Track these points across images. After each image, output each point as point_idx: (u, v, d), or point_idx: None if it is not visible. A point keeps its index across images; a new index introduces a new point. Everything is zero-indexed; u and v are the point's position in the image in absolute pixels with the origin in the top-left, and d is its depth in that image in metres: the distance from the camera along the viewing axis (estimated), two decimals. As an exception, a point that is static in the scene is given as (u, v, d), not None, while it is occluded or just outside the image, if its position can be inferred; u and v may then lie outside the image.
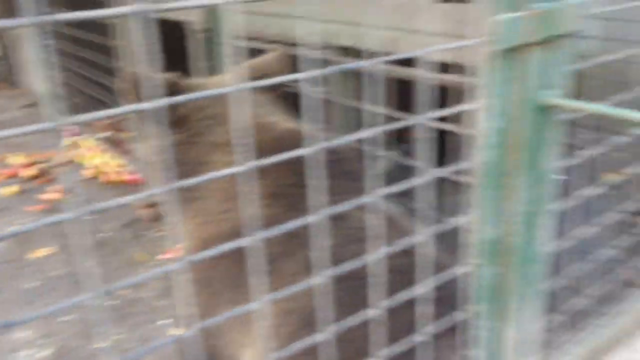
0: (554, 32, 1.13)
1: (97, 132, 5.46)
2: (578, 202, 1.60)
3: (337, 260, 1.42)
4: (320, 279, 1.01)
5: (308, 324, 1.26)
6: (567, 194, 1.58)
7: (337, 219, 1.49)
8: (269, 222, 1.49)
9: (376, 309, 1.12)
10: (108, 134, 5.39)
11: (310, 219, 0.98)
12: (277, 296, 0.92)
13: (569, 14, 1.14)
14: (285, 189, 1.47)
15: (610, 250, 1.87)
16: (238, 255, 1.56)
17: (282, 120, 1.61)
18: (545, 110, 1.22)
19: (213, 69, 2.28)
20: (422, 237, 1.16)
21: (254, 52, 2.32)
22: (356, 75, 1.81)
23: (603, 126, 1.87)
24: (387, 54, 1.07)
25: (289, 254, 1.44)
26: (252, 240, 0.95)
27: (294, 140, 1.51)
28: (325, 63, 2.16)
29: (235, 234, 1.53)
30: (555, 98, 1.20)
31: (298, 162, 1.60)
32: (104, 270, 3.52)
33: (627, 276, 2.18)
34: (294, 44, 1.92)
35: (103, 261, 3.64)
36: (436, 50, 1.02)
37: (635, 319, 1.99)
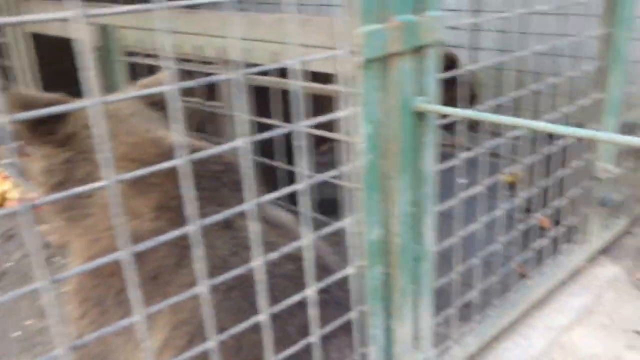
0: (418, 43, 1.21)
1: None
2: (472, 200, 1.70)
3: (229, 269, 1.44)
4: (204, 288, 1.02)
5: (201, 335, 1.26)
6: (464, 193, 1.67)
7: (226, 228, 1.51)
8: (155, 236, 1.49)
9: (265, 315, 1.14)
10: (12, 159, 5.13)
11: (189, 229, 0.99)
12: (155, 309, 0.92)
13: (431, 26, 1.22)
14: (172, 202, 1.48)
15: (501, 245, 1.99)
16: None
17: (170, 135, 1.62)
18: (418, 116, 1.29)
19: (109, 88, 2.24)
20: (309, 241, 1.19)
21: (152, 69, 2.30)
22: (248, 89, 1.84)
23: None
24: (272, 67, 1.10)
25: (181, 266, 1.44)
26: (127, 255, 0.95)
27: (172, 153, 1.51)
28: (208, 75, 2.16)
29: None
30: (426, 104, 1.27)
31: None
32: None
33: (518, 269, 2.32)
34: (187, 60, 1.93)
35: (8, 290, 3.46)
36: (304, 60, 1.06)
37: (524, 309, 2.12)
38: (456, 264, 1.76)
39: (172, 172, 1.51)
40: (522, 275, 2.28)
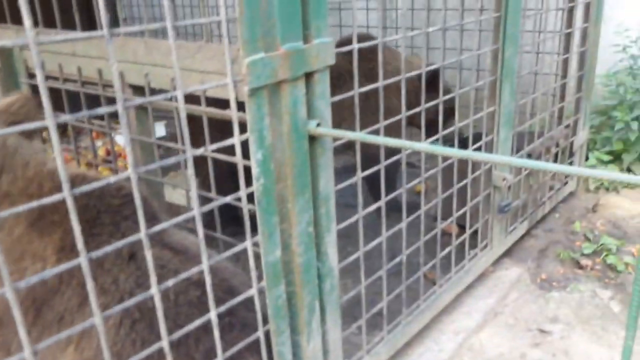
0: (308, 69, 1.26)
1: None
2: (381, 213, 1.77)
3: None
4: (100, 324, 1.01)
5: None
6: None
7: (130, 260, 1.50)
8: (60, 279, 1.46)
9: (168, 341, 1.14)
10: None
11: (80, 260, 0.98)
12: (51, 341, 0.91)
13: (319, 52, 1.27)
14: (73, 241, 1.45)
15: (413, 252, 2.07)
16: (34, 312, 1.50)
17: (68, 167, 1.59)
18: (312, 139, 1.34)
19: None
20: (212, 263, 1.20)
21: (55, 91, 2.24)
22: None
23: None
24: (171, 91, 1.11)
25: (85, 304, 1.42)
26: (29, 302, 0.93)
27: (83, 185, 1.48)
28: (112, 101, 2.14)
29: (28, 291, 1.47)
30: (319, 127, 1.32)
31: (88, 209, 1.59)
32: None
33: (428, 275, 2.43)
34: (90, 83, 1.90)
35: None
36: (201, 88, 1.08)
37: (434, 314, 2.22)
38: (367, 272, 1.81)
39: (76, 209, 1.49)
40: (432, 282, 2.38)
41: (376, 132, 1.66)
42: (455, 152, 1.15)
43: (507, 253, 2.83)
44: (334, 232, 1.48)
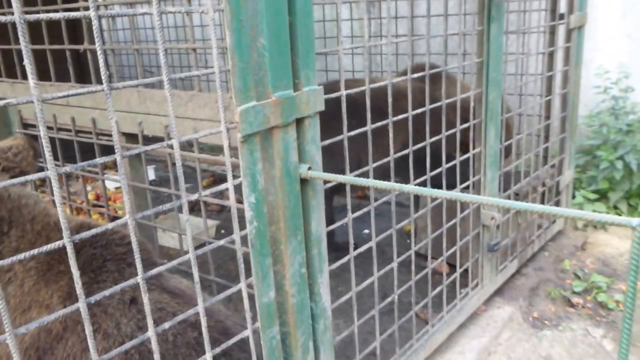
0: (298, 115, 1.31)
1: None
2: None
3: (134, 345, 1.45)
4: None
5: None
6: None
7: (132, 304, 1.53)
8: (64, 326, 1.48)
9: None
10: None
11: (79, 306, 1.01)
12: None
13: (309, 99, 1.33)
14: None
15: (404, 292, 2.09)
16: None
17: (70, 217, 1.63)
18: (303, 182, 1.38)
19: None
20: (200, 309, 1.23)
21: (49, 140, 2.29)
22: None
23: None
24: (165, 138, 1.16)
25: (88, 350, 1.43)
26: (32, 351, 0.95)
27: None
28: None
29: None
30: (310, 171, 1.37)
31: (95, 258, 1.62)
32: None
33: (420, 314, 2.44)
34: (84, 132, 1.95)
35: None
36: (195, 137, 1.13)
37: (427, 355, 2.22)
38: (359, 312, 1.83)
39: (78, 259, 1.52)
40: (425, 321, 2.39)
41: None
42: (443, 194, 1.20)
43: (499, 292, 2.85)
44: (327, 273, 1.51)
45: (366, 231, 3.74)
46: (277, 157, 1.30)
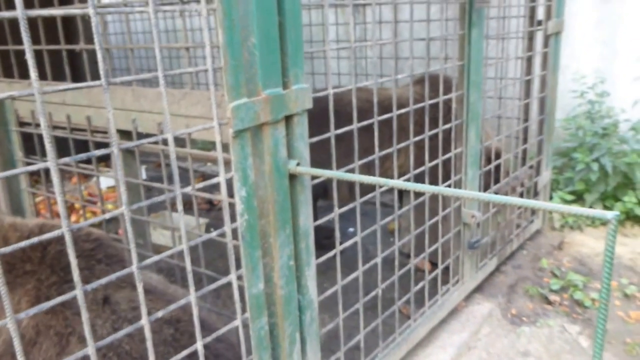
0: (287, 112, 1.36)
1: None
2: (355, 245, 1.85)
3: (112, 348, 1.46)
4: None
5: None
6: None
7: (105, 304, 1.53)
8: (37, 331, 1.48)
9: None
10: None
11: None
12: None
13: (298, 97, 1.38)
14: (49, 292, 1.47)
15: (382, 289, 2.15)
16: None
17: (20, 220, 1.63)
18: (292, 177, 1.43)
19: (5, 157, 2.24)
20: (192, 300, 1.26)
21: (42, 138, 2.32)
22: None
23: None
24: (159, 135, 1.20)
25: (64, 353, 1.44)
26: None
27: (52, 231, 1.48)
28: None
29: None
30: (298, 167, 1.42)
31: (63, 254, 1.61)
32: None
33: (402, 310, 2.50)
34: (78, 129, 1.98)
35: None
36: (185, 132, 1.17)
37: (409, 348, 2.28)
38: (343, 307, 1.88)
39: (46, 257, 1.51)
40: (407, 317, 2.45)
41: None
42: (427, 188, 1.25)
43: (478, 288, 2.93)
44: (314, 266, 1.56)
45: (351, 229, 3.80)
46: (267, 152, 1.34)
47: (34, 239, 0.94)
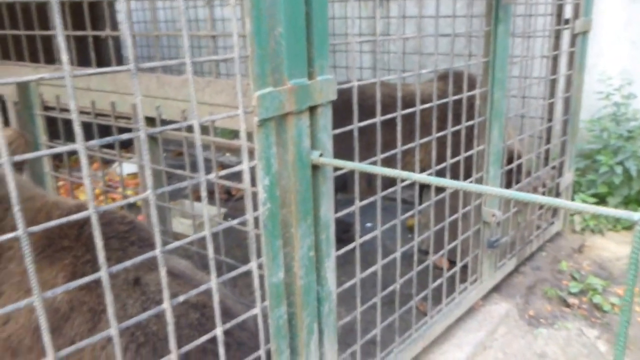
0: (312, 103, 1.36)
1: None
2: (374, 242, 1.85)
3: (141, 327, 1.48)
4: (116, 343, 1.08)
5: None
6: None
7: (135, 285, 1.56)
8: (71, 306, 1.51)
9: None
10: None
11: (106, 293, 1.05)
12: None
13: (322, 88, 1.38)
14: (84, 268, 1.50)
15: (400, 285, 2.14)
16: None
17: (62, 198, 1.66)
18: (314, 168, 1.43)
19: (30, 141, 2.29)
20: (211, 287, 1.27)
21: (68, 123, 2.35)
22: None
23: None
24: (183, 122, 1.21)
25: (96, 329, 1.47)
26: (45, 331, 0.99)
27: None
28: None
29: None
30: (321, 157, 1.42)
31: (92, 238, 1.63)
32: None
33: (419, 306, 2.49)
34: (103, 115, 2.01)
35: None
36: (209, 119, 1.18)
37: (425, 345, 2.27)
38: (361, 301, 1.88)
39: (82, 236, 1.55)
40: (423, 313, 2.45)
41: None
42: (451, 183, 1.25)
43: (496, 288, 2.90)
44: (333, 258, 1.56)
45: (368, 224, 3.79)
46: (291, 142, 1.35)
47: (71, 217, 0.96)
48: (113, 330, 1.07)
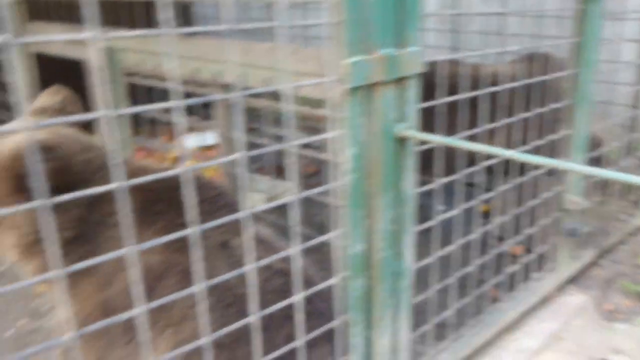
0: (399, 74, 1.34)
1: None
2: (449, 225, 1.82)
3: (229, 288, 1.52)
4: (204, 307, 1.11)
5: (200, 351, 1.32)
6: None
7: (223, 248, 1.60)
8: (165, 267, 1.56)
9: (255, 321, 1.23)
10: None
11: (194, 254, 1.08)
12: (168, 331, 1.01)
13: (411, 59, 1.35)
14: (177, 230, 1.54)
15: (475, 268, 2.10)
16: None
17: (148, 162, 1.71)
18: (399, 141, 1.41)
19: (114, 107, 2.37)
20: (293, 254, 1.29)
21: (149, 90, 2.43)
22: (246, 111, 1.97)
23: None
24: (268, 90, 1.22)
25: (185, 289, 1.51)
26: (139, 291, 1.03)
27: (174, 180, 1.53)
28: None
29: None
30: (407, 130, 1.40)
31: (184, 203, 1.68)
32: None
33: (491, 292, 2.43)
34: (184, 82, 2.05)
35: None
36: (297, 86, 1.18)
37: (496, 331, 2.22)
38: (433, 283, 1.86)
39: (175, 200, 1.59)
40: (495, 299, 2.39)
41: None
42: (542, 161, 1.20)
43: (573, 279, 2.80)
44: (412, 234, 1.54)
45: (440, 207, 3.72)
46: (377, 113, 1.33)
47: (164, 173, 0.99)
48: (197, 287, 1.10)
